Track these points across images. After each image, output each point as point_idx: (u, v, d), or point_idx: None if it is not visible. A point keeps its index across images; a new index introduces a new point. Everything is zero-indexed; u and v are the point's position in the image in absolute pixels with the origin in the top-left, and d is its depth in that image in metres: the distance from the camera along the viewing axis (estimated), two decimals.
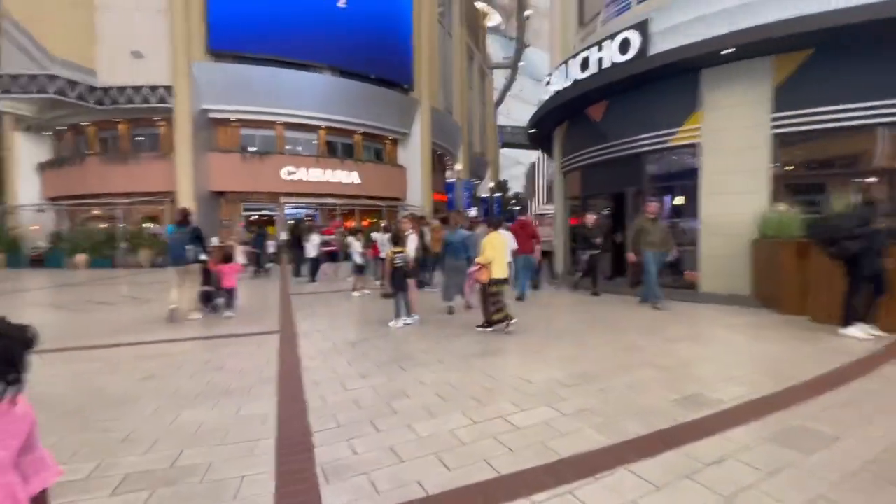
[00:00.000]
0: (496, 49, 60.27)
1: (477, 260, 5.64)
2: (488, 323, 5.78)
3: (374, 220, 23.15)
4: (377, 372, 4.32)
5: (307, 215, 21.70)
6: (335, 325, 6.51)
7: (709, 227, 8.53)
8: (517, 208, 55.82)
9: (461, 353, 4.82)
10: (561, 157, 12.83)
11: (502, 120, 61.41)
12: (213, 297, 7.34)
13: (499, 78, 56.93)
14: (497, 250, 5.68)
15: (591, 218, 9.58)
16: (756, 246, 7.87)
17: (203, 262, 7.03)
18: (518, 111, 76.90)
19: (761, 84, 7.94)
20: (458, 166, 26.37)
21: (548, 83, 11.95)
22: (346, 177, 22.12)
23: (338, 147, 23.12)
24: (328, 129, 22.14)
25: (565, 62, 11.00)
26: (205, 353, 5.22)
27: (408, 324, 6.04)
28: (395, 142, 25.20)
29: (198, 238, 6.98)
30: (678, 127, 8.89)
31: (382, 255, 10.80)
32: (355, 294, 8.88)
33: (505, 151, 66.42)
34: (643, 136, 9.47)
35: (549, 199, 59.27)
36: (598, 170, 10.96)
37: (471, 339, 5.43)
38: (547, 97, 11.84)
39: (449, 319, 6.63)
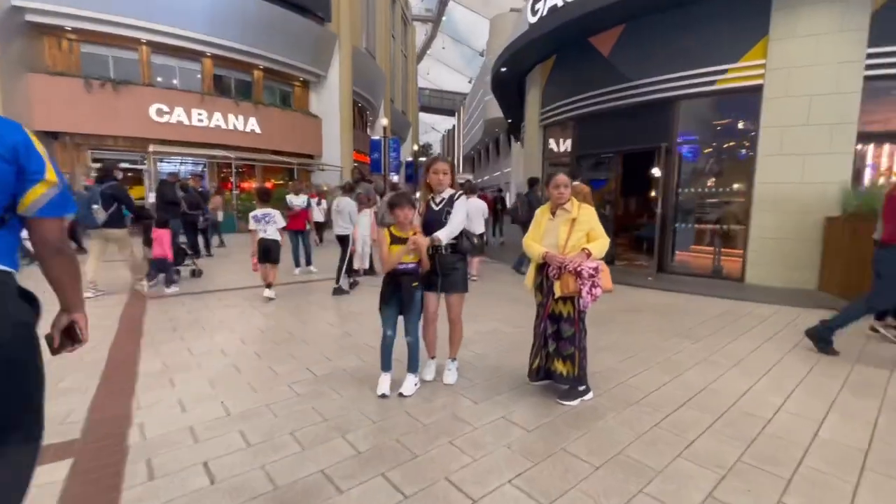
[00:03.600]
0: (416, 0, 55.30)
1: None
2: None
3: (283, 182, 18.62)
4: None
5: (193, 173, 16.50)
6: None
7: (764, 200, 6.47)
8: None
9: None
10: (540, 105, 10.10)
11: (420, 82, 57.36)
12: (163, 268, 5.99)
13: (417, 36, 52.36)
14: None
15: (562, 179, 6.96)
16: (833, 226, 5.98)
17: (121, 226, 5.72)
18: (437, 73, 73.05)
19: (857, 6, 5.84)
20: (384, 121, 22.46)
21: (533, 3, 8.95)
22: (241, 123, 17.16)
23: (230, 84, 17.86)
24: (217, 58, 16.76)
25: None
26: None
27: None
28: (306, 85, 20.43)
29: (113, 197, 5.55)
30: (732, 63, 6.58)
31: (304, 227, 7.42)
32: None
33: (423, 117, 62.74)
34: (677, 74, 7.06)
35: (467, 168, 57.73)
36: (602, 122, 8.43)
37: None
38: (534, 19, 8.87)
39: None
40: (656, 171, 7.51)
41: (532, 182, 7.67)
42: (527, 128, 11.01)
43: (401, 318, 2.81)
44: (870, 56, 5.84)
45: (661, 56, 7.26)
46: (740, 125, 6.76)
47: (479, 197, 7.55)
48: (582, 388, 2.71)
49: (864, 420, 2.51)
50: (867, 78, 5.88)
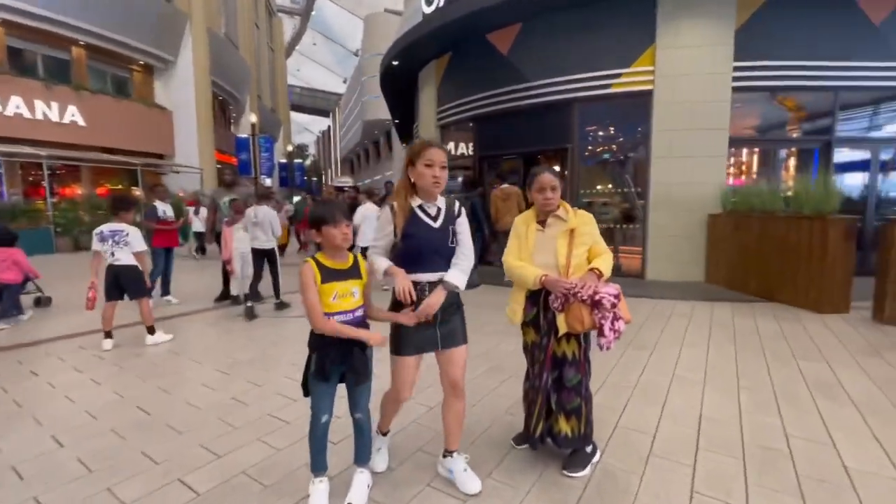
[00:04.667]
0: None
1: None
2: None
3: (123, 187, 15.11)
4: None
5: None
6: None
7: (659, 200, 6.82)
8: (314, 179, 49.97)
9: None
10: (436, 104, 9.57)
11: (291, 79, 53.47)
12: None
13: (285, 29, 48.66)
14: None
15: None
16: (715, 223, 6.51)
17: None
18: (310, 71, 68.84)
19: (724, 22, 6.43)
20: (253, 118, 19.80)
21: None
22: (56, 113, 13.42)
23: (37, 61, 13.88)
24: (12, 25, 12.82)
25: None
26: None
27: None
28: (149, 70, 16.97)
29: None
30: (625, 68, 6.80)
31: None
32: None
33: (295, 117, 58.63)
34: (575, 76, 7.10)
35: (345, 171, 55.38)
36: (503, 123, 8.19)
37: None
38: (429, 10, 8.28)
39: None
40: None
41: (470, 184, 7.08)
42: (421, 128, 10.40)
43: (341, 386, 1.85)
44: (735, 69, 6.49)
45: (559, 57, 7.25)
46: (636, 128, 7.03)
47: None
48: (589, 448, 2.09)
49: None
50: (734, 89, 6.53)
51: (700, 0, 6.38)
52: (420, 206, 1.84)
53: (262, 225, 5.14)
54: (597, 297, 1.83)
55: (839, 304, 4.79)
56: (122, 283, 3.90)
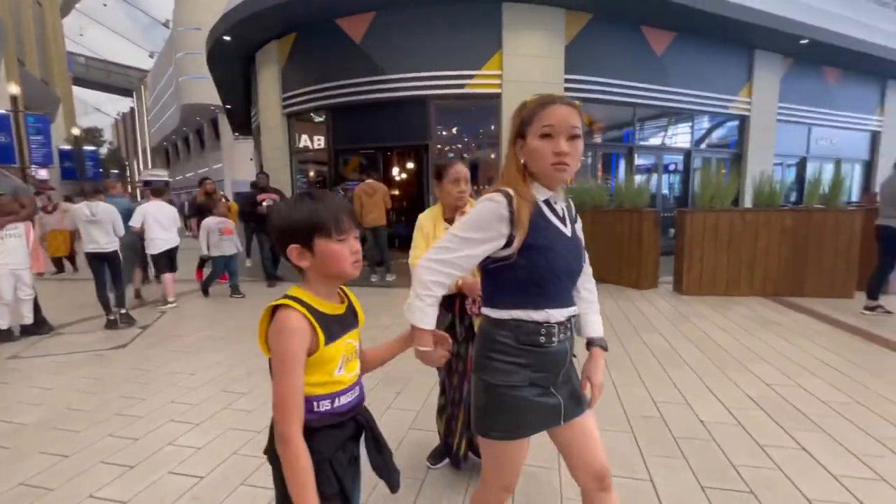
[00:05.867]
0: None
1: None
2: None
3: None
4: None
5: None
6: None
7: None
8: (115, 171, 40.79)
9: None
10: (281, 89, 8.61)
11: (72, 45, 42.81)
12: None
13: None
14: None
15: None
16: None
17: None
18: (101, 39, 55.63)
19: (556, 37, 7.26)
20: (12, 88, 14.78)
21: None
22: None
23: None
24: None
25: None
26: None
27: None
28: None
29: None
30: (477, 69, 7.14)
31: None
32: None
33: (80, 94, 47.05)
34: (431, 73, 7.17)
35: (159, 163, 46.54)
36: (361, 115, 7.81)
37: None
38: None
39: None
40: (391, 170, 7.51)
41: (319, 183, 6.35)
42: (263, 116, 9.26)
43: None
44: (566, 80, 7.40)
45: (415, 53, 7.22)
46: (491, 128, 7.45)
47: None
48: None
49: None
50: None
51: (536, 14, 7.06)
52: (546, 202, 1.12)
53: (103, 223, 4.34)
54: None
55: (652, 281, 5.86)
56: None
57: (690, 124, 9.39)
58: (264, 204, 6.29)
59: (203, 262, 6.63)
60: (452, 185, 1.85)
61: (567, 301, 1.13)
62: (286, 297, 0.90)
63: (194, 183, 37.11)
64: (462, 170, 1.85)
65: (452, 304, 1.87)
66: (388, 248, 6.67)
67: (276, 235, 0.92)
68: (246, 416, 2.55)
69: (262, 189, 6.45)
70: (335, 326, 0.93)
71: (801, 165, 10.67)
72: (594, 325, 1.24)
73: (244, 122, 13.66)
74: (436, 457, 2.04)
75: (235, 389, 2.92)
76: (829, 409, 2.53)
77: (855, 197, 10.86)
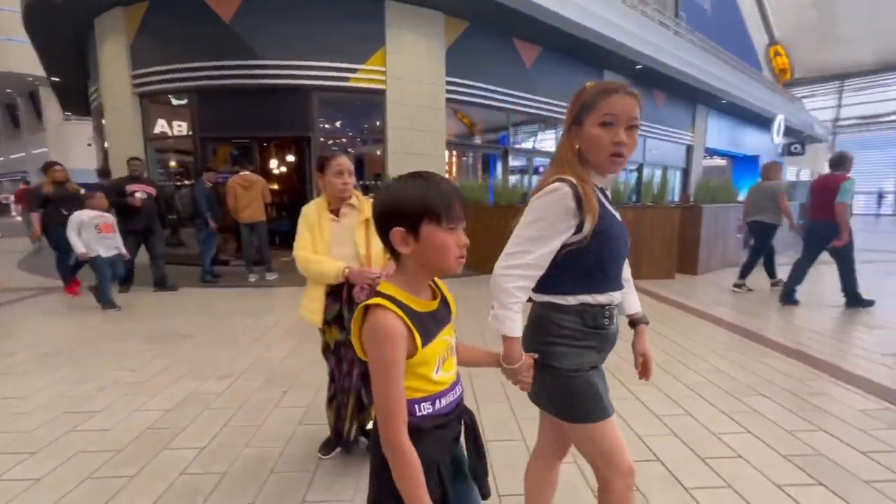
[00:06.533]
0: None
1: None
2: None
3: None
4: None
5: None
6: None
7: None
8: None
9: None
10: (130, 65, 7.44)
11: None
12: None
13: None
14: None
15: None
16: None
17: None
18: None
19: (437, 41, 7.54)
20: None
21: None
22: None
23: None
24: None
25: None
26: None
27: None
28: None
29: None
30: (361, 64, 7.06)
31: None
32: None
33: None
34: (313, 63, 6.89)
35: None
36: (232, 101, 7.13)
37: None
38: None
39: None
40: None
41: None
42: (107, 94, 7.90)
43: None
44: (448, 83, 7.74)
45: (295, 40, 6.85)
46: (376, 123, 7.43)
47: None
48: None
49: None
50: (448, 100, 7.79)
51: (418, 16, 7.25)
52: (601, 189, 1.15)
53: None
54: None
55: None
56: None
57: (556, 131, 10.57)
58: (137, 195, 5.42)
59: (76, 266, 5.47)
60: (336, 178, 1.88)
61: (620, 283, 1.17)
62: (378, 294, 0.84)
63: (10, 171, 29.92)
64: (345, 162, 1.89)
65: (339, 295, 1.90)
66: (269, 246, 6.29)
67: (380, 214, 0.85)
68: (101, 437, 2.24)
69: (135, 179, 5.54)
70: (430, 324, 0.87)
71: (640, 171, 12.72)
72: (635, 303, 1.30)
73: (80, 101, 11.49)
74: (326, 447, 2.05)
75: (85, 409, 2.53)
76: (655, 366, 3.14)
77: (677, 197, 13.33)
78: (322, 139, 7.26)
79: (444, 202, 0.82)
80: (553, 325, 1.11)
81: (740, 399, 2.63)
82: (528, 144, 10.01)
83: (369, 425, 1.98)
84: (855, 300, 4.67)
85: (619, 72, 10.74)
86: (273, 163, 9.62)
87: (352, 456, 2.04)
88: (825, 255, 4.73)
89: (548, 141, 10.48)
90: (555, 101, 9.43)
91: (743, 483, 1.85)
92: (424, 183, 0.84)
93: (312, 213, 1.93)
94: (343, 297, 1.90)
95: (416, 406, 0.85)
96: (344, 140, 7.70)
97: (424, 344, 0.83)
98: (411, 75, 7.30)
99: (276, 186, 9.84)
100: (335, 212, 1.95)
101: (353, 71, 7.04)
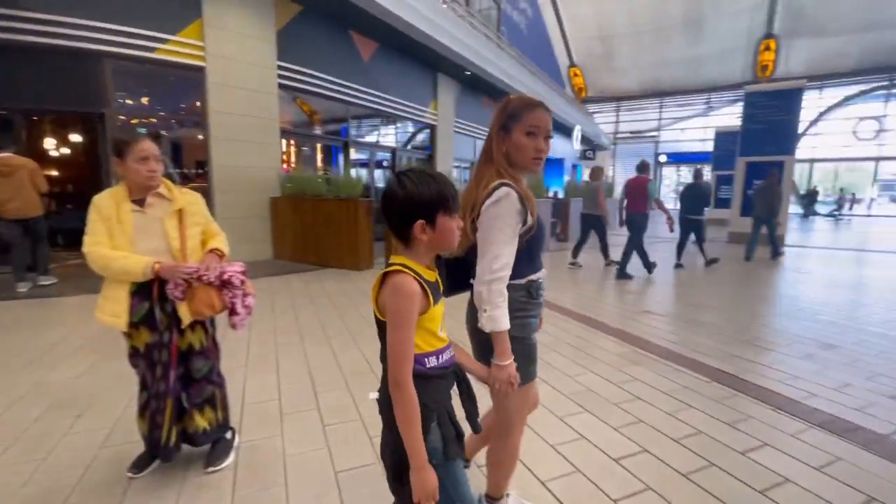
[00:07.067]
0: None
1: None
2: None
3: None
4: None
5: None
6: None
7: (223, 181, 6.79)
8: None
9: None
10: None
11: None
12: None
13: None
14: None
15: None
16: (277, 204, 7.25)
17: None
18: None
19: (266, 20, 7.03)
20: None
21: None
22: None
23: None
24: None
25: None
26: None
27: None
28: None
29: None
30: (171, 34, 6.14)
31: None
32: None
33: None
34: (104, 24, 5.72)
35: None
36: None
37: None
38: None
39: None
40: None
41: None
42: None
43: None
44: (279, 67, 7.29)
45: None
46: (196, 104, 6.54)
47: None
48: (228, 434, 2.01)
49: None
50: (280, 85, 7.34)
51: None
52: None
53: None
54: (226, 277, 1.77)
55: (368, 263, 6.61)
56: None
57: (395, 127, 10.89)
58: None
59: None
60: (140, 164, 1.70)
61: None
62: (395, 264, 0.99)
63: None
64: (150, 147, 1.72)
65: (148, 294, 1.73)
66: (50, 247, 5.07)
67: (401, 209, 0.99)
68: None
69: None
70: (435, 291, 1.04)
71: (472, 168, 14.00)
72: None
73: None
74: (138, 465, 1.84)
75: None
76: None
77: None
78: (123, 117, 6.12)
79: (452, 195, 1.02)
80: (514, 302, 1.30)
81: (541, 357, 3.22)
82: (371, 138, 10.10)
83: (199, 426, 1.85)
84: (622, 274, 6.13)
85: (452, 76, 11.59)
86: (50, 142, 7.71)
87: (173, 464, 1.88)
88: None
89: (389, 136, 10.74)
90: (393, 98, 9.70)
91: (532, 419, 2.31)
92: (435, 180, 1.01)
93: (107, 203, 1.70)
94: (154, 295, 1.73)
95: (426, 359, 1.04)
96: (154, 120, 6.61)
97: (435, 302, 1.03)
98: (236, 55, 6.66)
99: (55, 172, 7.96)
100: (139, 202, 1.75)
101: (162, 41, 6.08)
